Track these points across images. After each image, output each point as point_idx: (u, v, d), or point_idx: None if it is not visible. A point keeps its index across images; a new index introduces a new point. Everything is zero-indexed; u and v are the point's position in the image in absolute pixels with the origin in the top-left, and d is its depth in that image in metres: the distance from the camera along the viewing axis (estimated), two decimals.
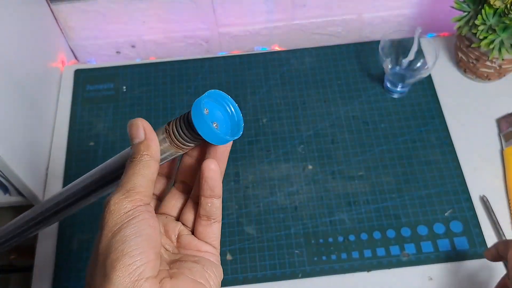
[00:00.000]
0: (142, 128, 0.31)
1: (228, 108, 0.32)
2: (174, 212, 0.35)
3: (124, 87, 0.70)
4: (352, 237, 0.58)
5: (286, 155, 0.64)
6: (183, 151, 0.33)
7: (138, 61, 0.74)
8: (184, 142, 0.32)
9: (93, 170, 0.36)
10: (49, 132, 0.66)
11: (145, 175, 0.30)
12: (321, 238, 0.58)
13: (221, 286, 0.59)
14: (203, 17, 0.73)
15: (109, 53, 0.79)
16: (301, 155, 0.64)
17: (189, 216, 0.34)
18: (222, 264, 0.55)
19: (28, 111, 0.61)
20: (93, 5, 0.70)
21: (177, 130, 0.32)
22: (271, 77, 0.70)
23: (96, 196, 0.36)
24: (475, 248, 0.56)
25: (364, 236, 0.58)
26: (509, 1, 0.55)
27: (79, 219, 0.60)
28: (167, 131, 0.32)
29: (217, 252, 0.33)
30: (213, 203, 0.32)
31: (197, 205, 0.33)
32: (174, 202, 0.35)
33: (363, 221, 0.59)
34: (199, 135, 0.30)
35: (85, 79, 0.71)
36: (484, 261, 0.56)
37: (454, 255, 0.56)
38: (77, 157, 0.64)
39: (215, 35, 0.76)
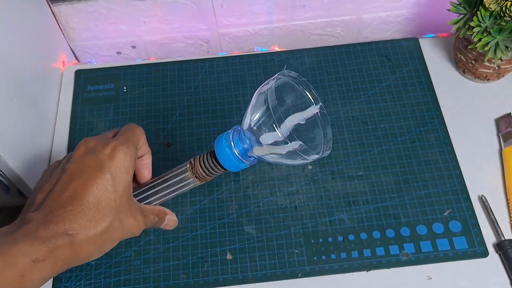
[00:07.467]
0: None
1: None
2: None
3: (125, 88, 0.71)
4: (351, 237, 0.58)
5: None
6: (204, 181, 0.43)
7: (138, 61, 0.74)
8: (209, 174, 0.42)
9: None
10: (50, 132, 0.67)
11: None
12: (320, 237, 0.58)
13: (222, 286, 0.60)
14: (203, 18, 0.73)
15: (109, 54, 0.79)
16: None
17: None
18: (223, 263, 0.56)
19: (29, 111, 0.61)
20: (93, 6, 0.70)
21: (204, 166, 0.41)
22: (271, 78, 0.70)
23: None
24: (474, 247, 0.57)
25: (363, 235, 0.58)
26: (505, 4, 0.55)
27: None
28: (192, 169, 0.42)
29: None
30: None
31: None
32: None
33: (362, 220, 0.59)
34: (223, 167, 0.41)
35: (85, 80, 0.71)
36: (483, 261, 0.56)
37: (453, 255, 0.56)
38: None
39: (215, 36, 0.77)
